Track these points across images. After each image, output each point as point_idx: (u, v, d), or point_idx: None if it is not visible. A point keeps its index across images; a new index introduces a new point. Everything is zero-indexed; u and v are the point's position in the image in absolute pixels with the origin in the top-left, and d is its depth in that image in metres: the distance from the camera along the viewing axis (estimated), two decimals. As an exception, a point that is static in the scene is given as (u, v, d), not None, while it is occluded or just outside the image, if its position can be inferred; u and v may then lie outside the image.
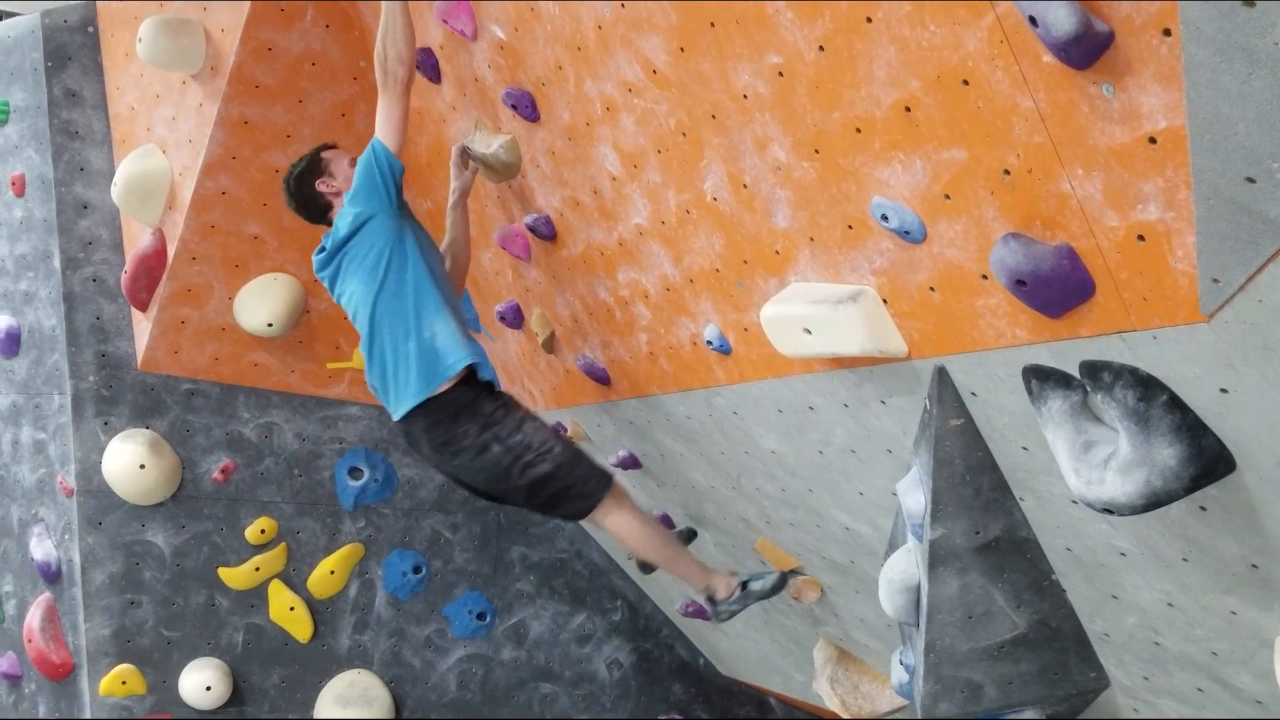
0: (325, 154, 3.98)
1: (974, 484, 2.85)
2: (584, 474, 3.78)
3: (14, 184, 5.85)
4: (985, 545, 2.95)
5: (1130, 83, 1.82)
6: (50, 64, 5.82)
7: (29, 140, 5.84)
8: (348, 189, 3.78)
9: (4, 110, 5.93)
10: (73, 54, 5.87)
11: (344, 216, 3.74)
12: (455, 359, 3.63)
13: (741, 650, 6.03)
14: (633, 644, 6.48)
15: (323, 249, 3.84)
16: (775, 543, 4.44)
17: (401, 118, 3.70)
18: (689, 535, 4.95)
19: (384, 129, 3.69)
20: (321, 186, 3.90)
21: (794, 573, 4.48)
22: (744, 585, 3.99)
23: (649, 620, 6.56)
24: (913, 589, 3.13)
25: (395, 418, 3.77)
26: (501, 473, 3.70)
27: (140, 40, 4.99)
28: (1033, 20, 1.86)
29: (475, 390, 3.69)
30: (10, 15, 8.01)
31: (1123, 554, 2.70)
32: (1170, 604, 2.75)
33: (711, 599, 4.01)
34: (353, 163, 3.85)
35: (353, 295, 3.75)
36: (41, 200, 5.77)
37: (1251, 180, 1.55)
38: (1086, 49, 1.82)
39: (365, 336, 3.74)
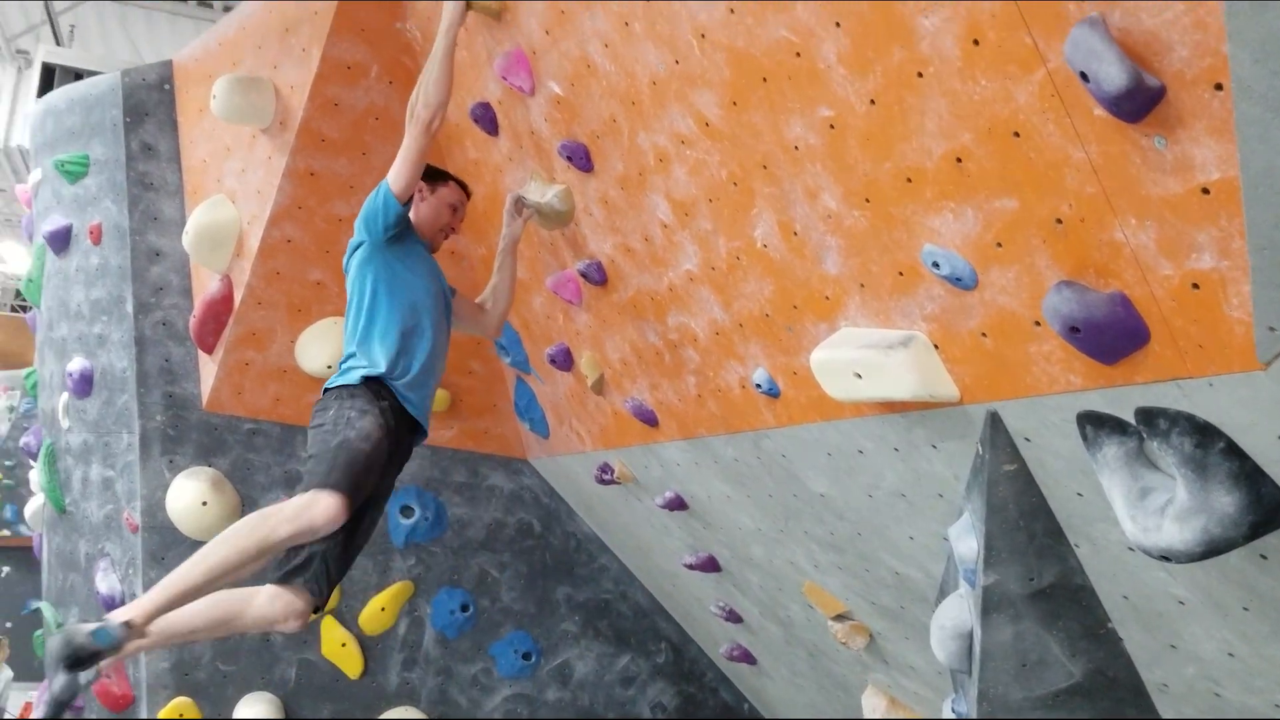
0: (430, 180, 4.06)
1: (1028, 529, 2.85)
2: (333, 464, 3.34)
3: (92, 233, 6.06)
4: (1039, 592, 2.94)
5: (1182, 135, 1.86)
6: (129, 120, 6.07)
7: (107, 191, 6.06)
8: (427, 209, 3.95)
9: (84, 163, 6.16)
10: (150, 110, 6.11)
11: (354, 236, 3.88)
12: (352, 377, 3.60)
13: (788, 696, 6.00)
14: (677, 687, 6.47)
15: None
16: (823, 587, 4.44)
17: (415, 158, 3.76)
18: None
19: (395, 168, 3.77)
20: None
21: (841, 617, 4.48)
22: None
23: (693, 664, 6.55)
24: (965, 635, 3.13)
25: None
26: (313, 425, 3.55)
27: (214, 96, 5.18)
28: (1084, 76, 1.91)
29: (366, 387, 3.58)
30: (93, 74, 8.34)
31: (1181, 602, 2.69)
32: (1231, 654, 2.73)
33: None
34: (423, 193, 3.98)
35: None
36: (117, 248, 5.97)
37: (1303, 231, 1.58)
38: (1138, 103, 1.87)
39: None
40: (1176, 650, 2.86)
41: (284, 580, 3.46)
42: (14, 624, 16.41)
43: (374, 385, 3.59)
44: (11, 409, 18.27)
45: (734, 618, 5.57)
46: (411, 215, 3.90)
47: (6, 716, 11.04)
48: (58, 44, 10.08)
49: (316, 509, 3.22)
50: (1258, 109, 1.42)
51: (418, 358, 3.70)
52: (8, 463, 17.38)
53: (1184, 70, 1.80)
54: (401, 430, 3.65)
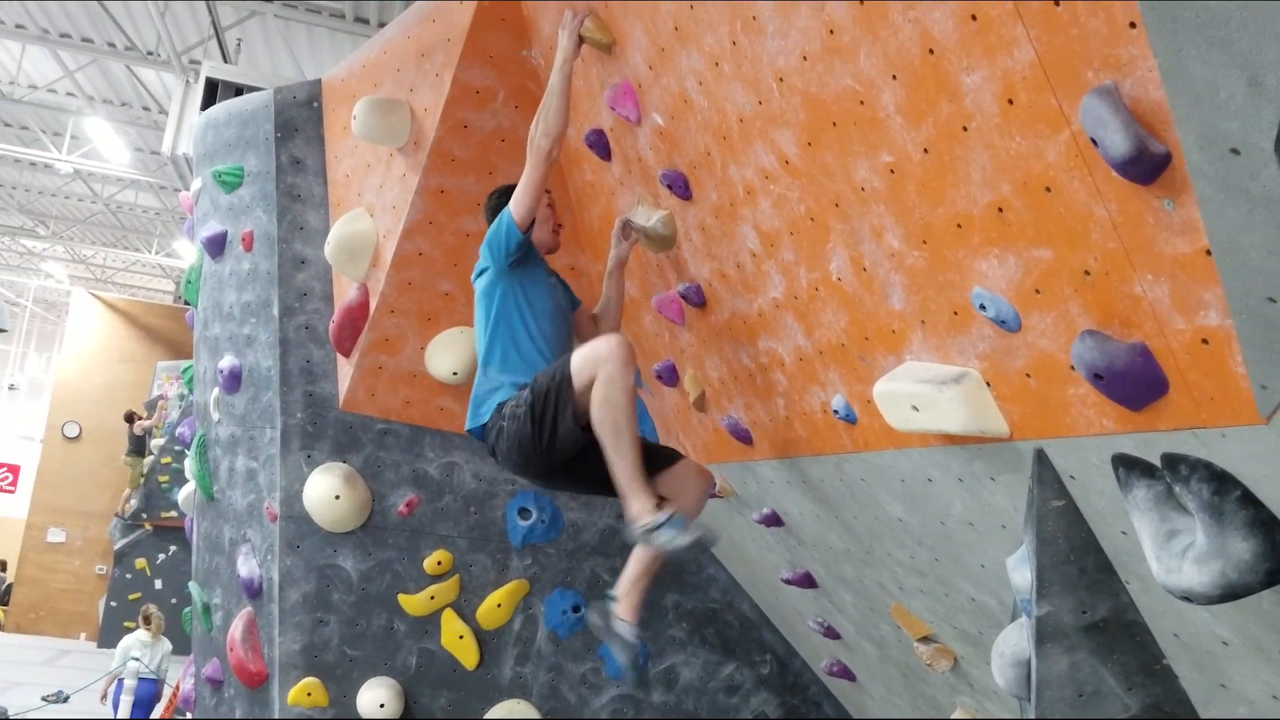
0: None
1: (1078, 564, 2.93)
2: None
3: (244, 240, 6.56)
4: (1093, 625, 3.01)
5: (1188, 199, 1.95)
6: (279, 135, 6.53)
7: (258, 201, 6.54)
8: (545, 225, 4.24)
9: (239, 174, 6.67)
10: (299, 126, 6.57)
11: (479, 258, 4.18)
12: (488, 411, 3.90)
13: (886, 714, 6.06)
14: (780, 699, 6.60)
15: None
16: (908, 609, 4.53)
17: (536, 186, 4.01)
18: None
19: (518, 197, 4.04)
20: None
21: (926, 639, 4.56)
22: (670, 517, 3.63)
23: (797, 676, 6.66)
24: (1023, 663, 3.21)
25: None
26: (495, 430, 3.82)
27: (355, 117, 5.57)
28: (1094, 141, 2.02)
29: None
30: (252, 89, 8.99)
31: (1225, 643, 2.74)
32: (1275, 696, 2.75)
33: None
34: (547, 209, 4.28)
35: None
36: (266, 255, 6.45)
37: (1273, 300, 1.68)
38: (1144, 169, 1.97)
39: None
40: (1227, 690, 2.89)
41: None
42: (178, 599, 17.60)
43: None
44: (182, 397, 19.56)
45: (832, 633, 5.68)
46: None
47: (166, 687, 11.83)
48: (224, 57, 10.79)
49: (608, 347, 3.57)
50: (1211, 189, 1.53)
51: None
52: (177, 448, 18.63)
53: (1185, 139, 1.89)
54: None
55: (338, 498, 5.99)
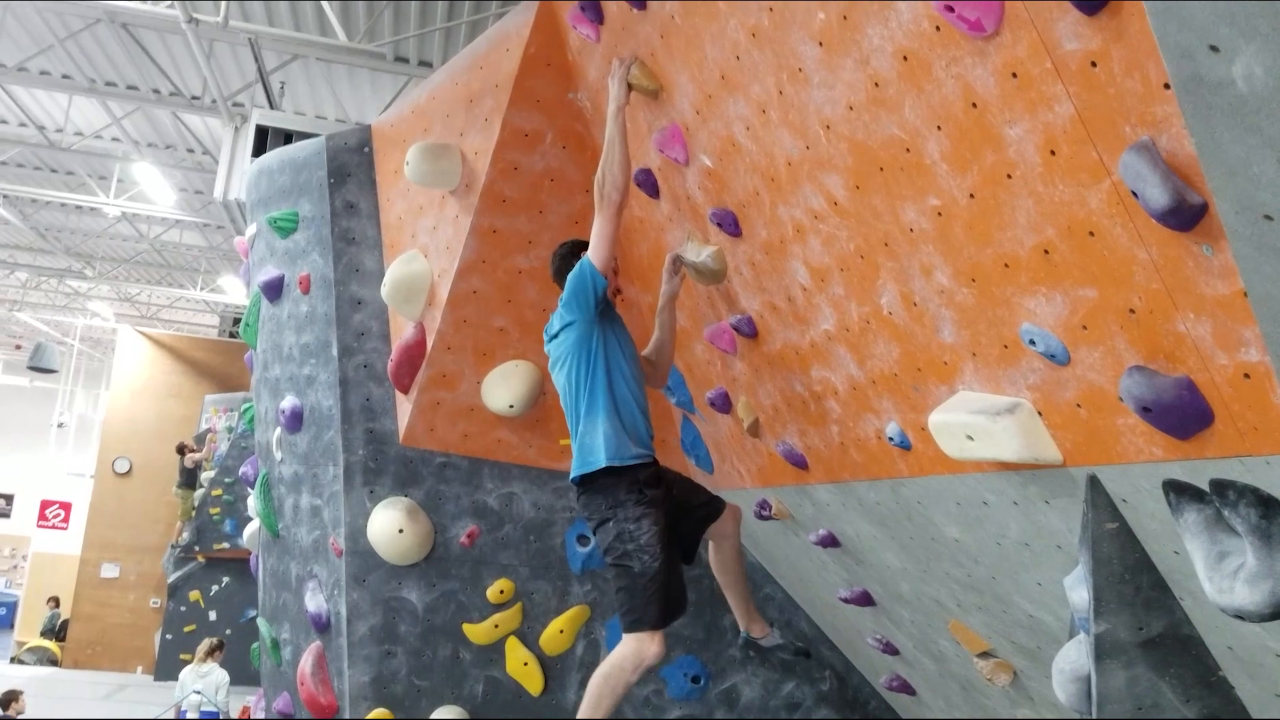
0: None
1: (1134, 582, 3.05)
2: (646, 602, 3.92)
3: (301, 283, 6.78)
4: (1149, 641, 3.12)
5: (1225, 245, 2.09)
6: (333, 180, 6.76)
7: (314, 245, 6.77)
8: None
9: (294, 219, 6.89)
10: (351, 171, 6.79)
11: (558, 316, 4.31)
12: (596, 459, 4.06)
13: (947, 727, 6.17)
14: (841, 714, 6.71)
15: (548, 331, 4.45)
16: (967, 625, 4.65)
17: (611, 237, 4.19)
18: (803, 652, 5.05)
19: (595, 248, 4.20)
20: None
21: (986, 655, 4.67)
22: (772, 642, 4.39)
23: (857, 692, 6.77)
24: (1083, 679, 3.32)
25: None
26: (605, 547, 4.06)
27: (408, 163, 5.78)
28: (1135, 193, 2.17)
29: (618, 477, 4.06)
30: (301, 134, 9.27)
31: (1278, 655, 2.85)
32: (1329, 706, 2.86)
33: (751, 640, 4.47)
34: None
35: (555, 380, 4.37)
36: (323, 297, 6.67)
37: (1309, 343, 1.81)
38: (1183, 218, 2.11)
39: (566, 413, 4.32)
40: (1282, 700, 3.00)
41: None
42: (233, 630, 17.90)
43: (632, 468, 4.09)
44: (230, 429, 19.91)
45: (890, 649, 5.79)
46: None
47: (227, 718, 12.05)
48: (269, 99, 11.06)
49: (648, 654, 3.90)
50: (1248, 248, 1.67)
51: (647, 415, 4.25)
52: (227, 479, 18.98)
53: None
54: (665, 479, 4.23)
55: (401, 531, 6.17)
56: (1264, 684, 3.02)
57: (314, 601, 6.42)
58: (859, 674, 6.78)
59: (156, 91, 12.40)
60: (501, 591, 6.35)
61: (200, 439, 20.75)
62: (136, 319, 26.69)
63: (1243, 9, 1.27)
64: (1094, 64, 2.20)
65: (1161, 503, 2.73)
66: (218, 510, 19.13)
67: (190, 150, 14.83)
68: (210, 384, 23.78)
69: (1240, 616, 2.43)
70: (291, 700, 6.61)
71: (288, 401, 6.76)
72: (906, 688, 6.11)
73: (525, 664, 6.34)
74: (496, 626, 6.34)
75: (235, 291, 22.19)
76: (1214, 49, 1.36)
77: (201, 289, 22.62)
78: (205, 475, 19.69)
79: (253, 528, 7.77)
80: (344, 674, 6.20)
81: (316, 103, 12.81)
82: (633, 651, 3.92)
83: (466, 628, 6.31)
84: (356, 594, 6.26)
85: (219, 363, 24.66)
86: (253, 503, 7.47)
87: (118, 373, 24.41)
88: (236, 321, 27.65)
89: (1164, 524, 2.80)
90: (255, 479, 7.44)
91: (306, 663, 6.36)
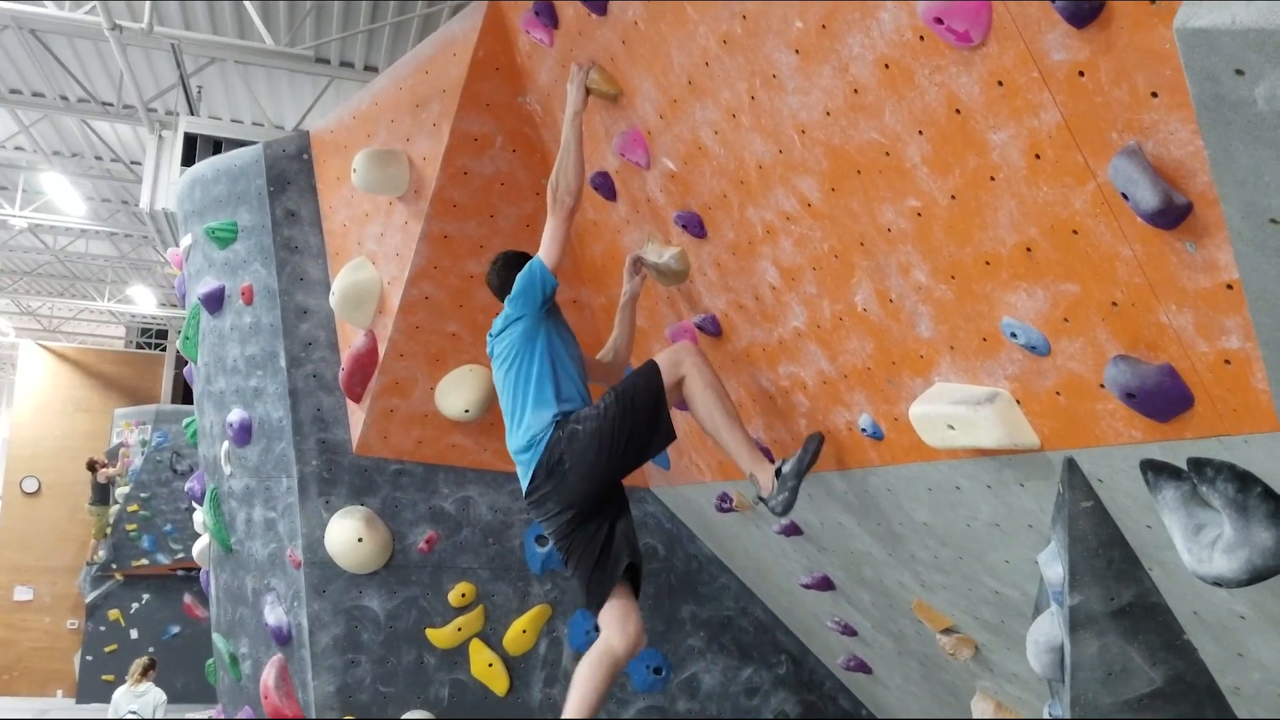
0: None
1: (1106, 556, 3.24)
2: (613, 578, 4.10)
3: (244, 294, 6.71)
4: (1120, 610, 3.32)
5: (1208, 243, 2.27)
6: (272, 188, 6.70)
7: (255, 255, 6.70)
8: None
9: (233, 229, 6.81)
10: (291, 179, 6.74)
11: (502, 315, 4.38)
12: (546, 431, 4.11)
13: (902, 702, 6.38)
14: (798, 696, 6.89)
15: (492, 330, 4.51)
16: (930, 604, 4.84)
17: (563, 240, 4.30)
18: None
19: (546, 248, 4.29)
20: None
21: (949, 631, 4.87)
22: (778, 472, 4.07)
23: (813, 673, 6.96)
24: (1057, 649, 3.51)
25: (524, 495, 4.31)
26: (599, 427, 4.03)
27: (355, 170, 5.76)
28: (1125, 195, 2.33)
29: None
30: (231, 140, 9.13)
31: (1242, 617, 3.06)
32: (1291, 662, 3.09)
33: (761, 499, 4.23)
34: None
35: (497, 375, 4.42)
36: (268, 307, 6.61)
37: (1299, 333, 1.99)
38: (1170, 218, 2.28)
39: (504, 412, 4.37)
40: (1244, 658, 3.22)
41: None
42: (156, 648, 17.52)
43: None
44: (144, 443, 19.45)
45: (849, 631, 5.98)
46: None
47: None
48: (190, 105, 10.86)
49: (634, 631, 4.03)
50: (1248, 248, 1.83)
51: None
52: (143, 495, 18.57)
53: (1205, 192, 2.21)
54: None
55: (360, 540, 6.17)
56: (1227, 645, 3.23)
57: (273, 614, 6.38)
58: (814, 656, 6.98)
59: (64, 98, 12.07)
60: (463, 595, 6.38)
61: (113, 454, 20.22)
62: (38, 333, 25.83)
63: (1272, 37, 1.42)
64: (1081, 74, 2.35)
65: (1136, 481, 2.91)
66: (135, 526, 18.71)
67: (99, 158, 14.45)
68: (119, 397, 23.17)
69: (1218, 583, 2.61)
70: (254, 714, 6.56)
71: (235, 415, 6.69)
72: (863, 667, 6.31)
73: (490, 665, 6.39)
74: (460, 630, 6.37)
75: (144, 302, 21.64)
76: (1239, 72, 1.50)
77: (109, 300, 22.00)
78: (120, 491, 19.21)
79: (203, 543, 7.66)
80: (308, 685, 6.18)
81: (233, 106, 12.61)
82: (616, 634, 4.01)
83: (430, 632, 6.34)
84: (317, 605, 6.24)
85: (128, 375, 24.05)
86: (199, 518, 7.36)
87: (20, 389, 23.69)
88: (144, 333, 26.99)
89: (1137, 501, 2.99)
90: (203, 494, 7.34)
91: (269, 675, 6.32)
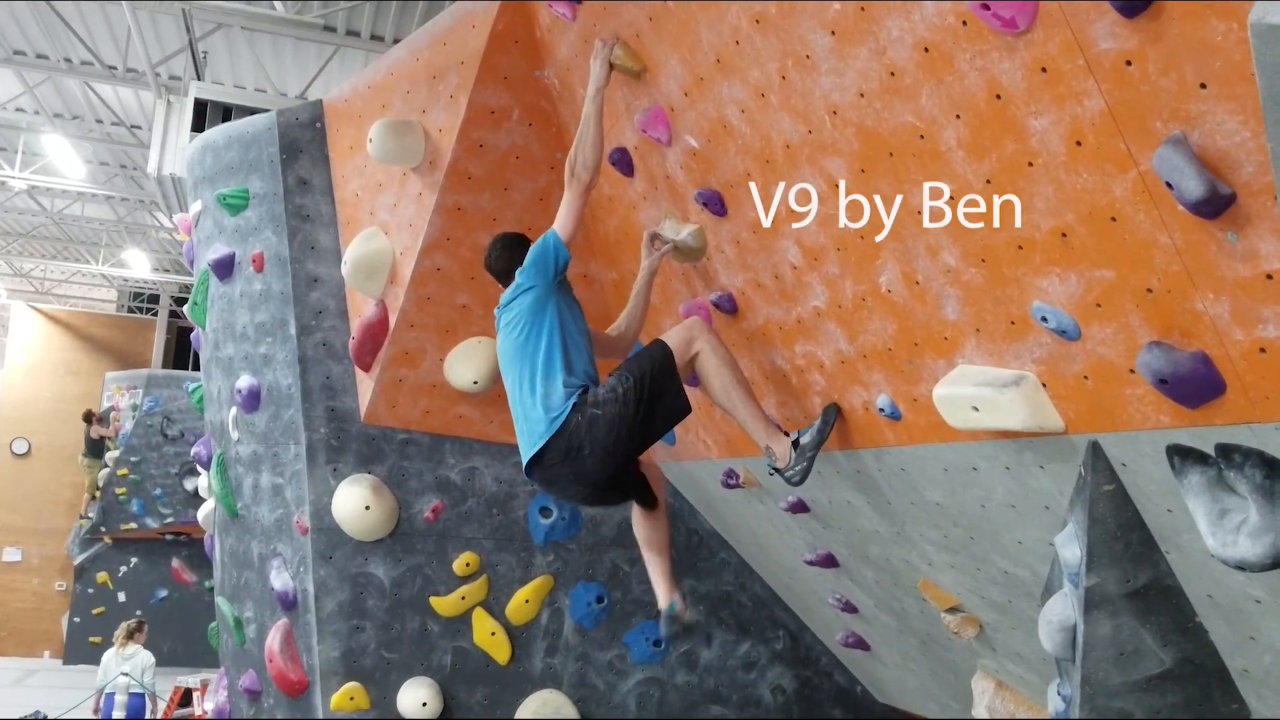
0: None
1: (1124, 539, 3.30)
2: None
3: (254, 261, 6.70)
4: (1135, 592, 3.38)
5: (1250, 232, 2.31)
6: (284, 156, 6.68)
7: (267, 223, 6.69)
8: None
9: (245, 196, 6.80)
10: (303, 147, 6.72)
11: (513, 285, 4.40)
12: (561, 410, 4.12)
13: (900, 679, 6.47)
14: (794, 671, 6.98)
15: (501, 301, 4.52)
16: (936, 583, 4.90)
17: (578, 214, 4.31)
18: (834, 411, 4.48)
19: (561, 221, 4.31)
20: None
21: (954, 610, 4.93)
22: (796, 443, 4.18)
23: (809, 649, 7.05)
24: (1069, 629, 3.58)
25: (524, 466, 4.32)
26: (618, 413, 4.04)
27: (371, 140, 5.75)
28: (1169, 184, 2.36)
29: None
30: (241, 107, 9.08)
31: (1257, 601, 3.12)
32: (1303, 646, 3.15)
33: (776, 470, 4.28)
34: None
35: (503, 344, 4.43)
36: (278, 275, 6.61)
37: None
38: (1213, 207, 2.32)
39: (506, 382, 4.40)
40: (1256, 641, 3.28)
41: None
42: (143, 611, 17.55)
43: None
44: (135, 407, 19.43)
45: (849, 608, 6.05)
46: None
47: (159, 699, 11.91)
48: (197, 71, 10.79)
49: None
50: (1302, 239, 1.88)
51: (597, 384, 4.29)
52: (133, 459, 18.56)
53: (1250, 183, 2.24)
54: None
55: (368, 508, 6.21)
56: (1240, 629, 3.30)
57: (279, 579, 6.41)
58: (811, 632, 7.05)
59: (68, 60, 11.97)
60: (467, 564, 6.43)
61: (105, 417, 20.19)
62: (30, 294, 25.70)
63: (1346, 34, 1.46)
64: (1129, 63, 2.38)
65: (1160, 466, 2.97)
66: (124, 490, 18.72)
67: (99, 120, 14.35)
68: (111, 361, 23.12)
69: (1241, 567, 2.67)
70: (258, 677, 6.61)
71: (244, 381, 6.70)
72: (861, 643, 6.38)
73: (493, 634, 6.45)
74: (463, 598, 6.43)
75: (139, 266, 21.53)
76: (1311, 68, 1.54)
77: (103, 263, 21.90)
78: (110, 455, 19.20)
79: (208, 507, 7.68)
80: (313, 650, 6.23)
81: (237, 73, 12.52)
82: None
83: (434, 600, 6.39)
84: (323, 571, 6.27)
85: (120, 339, 23.99)
86: (203, 482, 7.38)
87: (11, 350, 23.60)
88: (137, 296, 26.88)
89: (1159, 485, 3.04)
90: (209, 459, 7.35)
91: (274, 640, 6.36)
